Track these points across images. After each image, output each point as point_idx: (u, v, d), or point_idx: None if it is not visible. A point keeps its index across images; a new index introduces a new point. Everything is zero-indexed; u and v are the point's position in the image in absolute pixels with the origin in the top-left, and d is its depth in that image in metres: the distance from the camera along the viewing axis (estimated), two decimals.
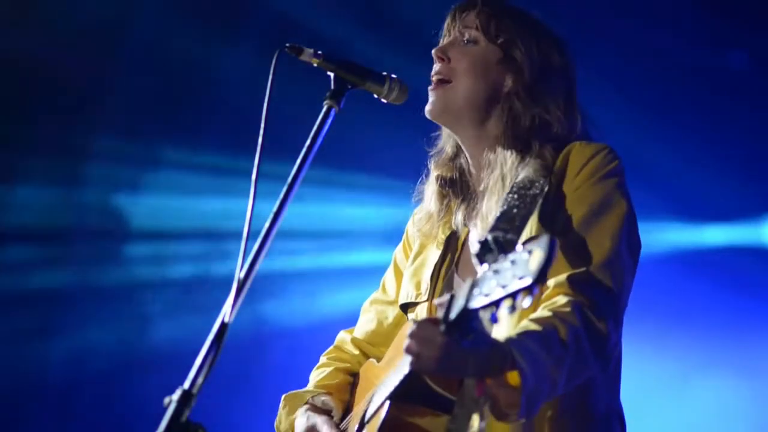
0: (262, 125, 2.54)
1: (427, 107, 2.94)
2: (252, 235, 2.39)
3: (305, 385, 3.20)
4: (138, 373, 5.96)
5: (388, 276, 3.26)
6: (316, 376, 3.21)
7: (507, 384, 2.41)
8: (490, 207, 2.84)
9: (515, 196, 2.73)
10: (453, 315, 2.30)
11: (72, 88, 5.95)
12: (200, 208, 6.12)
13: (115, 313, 6.04)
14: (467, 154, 2.99)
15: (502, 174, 2.85)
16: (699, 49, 5.80)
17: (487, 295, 2.21)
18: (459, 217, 3.00)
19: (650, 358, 5.71)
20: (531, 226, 2.71)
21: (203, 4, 6.10)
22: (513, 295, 2.16)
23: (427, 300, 2.97)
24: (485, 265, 2.26)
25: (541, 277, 2.11)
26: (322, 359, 3.27)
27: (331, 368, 3.19)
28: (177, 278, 6.12)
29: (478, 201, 2.95)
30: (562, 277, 2.63)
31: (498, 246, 2.30)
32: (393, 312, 3.18)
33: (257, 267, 2.36)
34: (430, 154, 3.09)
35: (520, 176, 2.79)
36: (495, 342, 2.41)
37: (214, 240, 6.07)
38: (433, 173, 3.06)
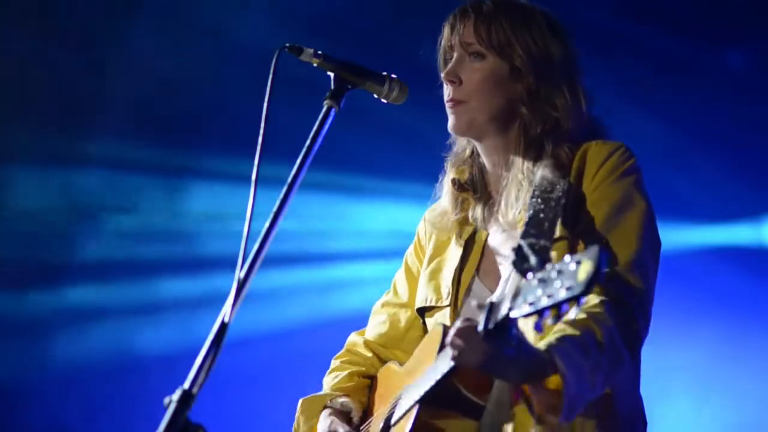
0: (262, 125, 2.54)
1: (451, 126, 2.96)
2: (252, 236, 2.39)
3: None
4: (136, 372, 5.97)
5: (399, 278, 3.26)
6: (331, 380, 3.20)
7: (546, 388, 2.43)
8: (509, 206, 2.88)
9: (539, 200, 2.75)
10: (494, 322, 2.31)
11: (71, 91, 5.96)
12: (200, 208, 6.12)
13: (115, 312, 6.05)
14: (485, 159, 3.02)
15: (518, 176, 2.88)
16: (698, 48, 5.80)
17: (531, 304, 2.22)
18: (477, 213, 3.01)
19: (648, 358, 5.71)
20: (559, 229, 2.73)
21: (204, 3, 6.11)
22: (558, 305, 2.17)
23: (449, 305, 2.97)
24: (530, 275, 2.26)
25: (589, 288, 2.12)
26: (335, 363, 3.27)
27: (346, 372, 3.19)
28: (177, 278, 6.13)
29: (496, 202, 2.98)
30: None
31: (534, 253, 2.31)
32: (405, 315, 3.18)
33: (257, 267, 2.36)
34: (446, 155, 3.11)
35: (537, 177, 2.82)
36: (536, 350, 2.43)
37: (213, 239, 6.08)
38: (449, 173, 3.09)
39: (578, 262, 2.15)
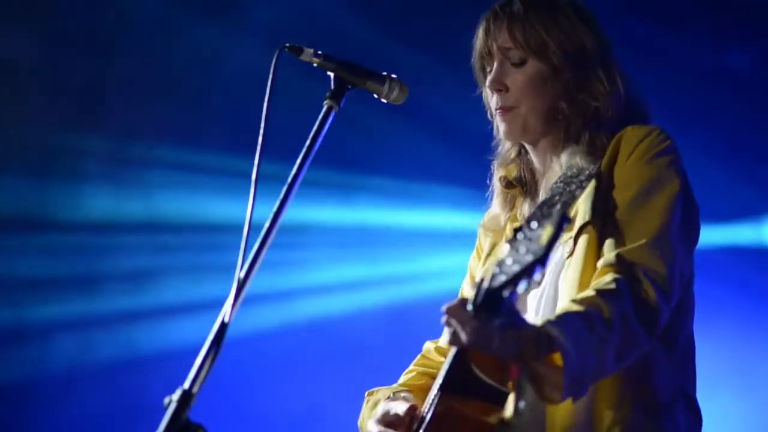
0: (262, 125, 2.54)
1: (504, 132, 2.97)
2: (252, 235, 2.39)
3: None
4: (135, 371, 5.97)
5: (465, 284, 3.30)
6: (403, 379, 3.26)
7: (553, 365, 2.41)
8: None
9: (561, 184, 2.74)
10: (480, 298, 2.32)
11: (71, 87, 5.96)
12: (200, 207, 6.12)
13: (116, 309, 6.05)
14: (534, 157, 3.03)
15: (557, 169, 2.90)
16: (699, 48, 5.80)
17: (505, 273, 2.24)
18: (525, 209, 3.03)
19: None
20: (584, 213, 2.74)
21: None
22: (527, 270, 2.19)
23: None
24: (507, 247, 2.28)
25: (549, 249, 2.15)
26: (410, 366, 3.31)
27: (416, 372, 3.24)
28: (175, 277, 6.13)
29: (541, 197, 3.00)
30: (611, 255, 2.64)
31: (529, 230, 2.32)
32: None
33: (257, 267, 2.37)
34: (492, 158, 3.13)
35: (566, 163, 2.83)
36: (529, 324, 2.42)
37: (212, 238, 6.08)
38: (497, 172, 3.11)
39: (542, 227, 2.20)
